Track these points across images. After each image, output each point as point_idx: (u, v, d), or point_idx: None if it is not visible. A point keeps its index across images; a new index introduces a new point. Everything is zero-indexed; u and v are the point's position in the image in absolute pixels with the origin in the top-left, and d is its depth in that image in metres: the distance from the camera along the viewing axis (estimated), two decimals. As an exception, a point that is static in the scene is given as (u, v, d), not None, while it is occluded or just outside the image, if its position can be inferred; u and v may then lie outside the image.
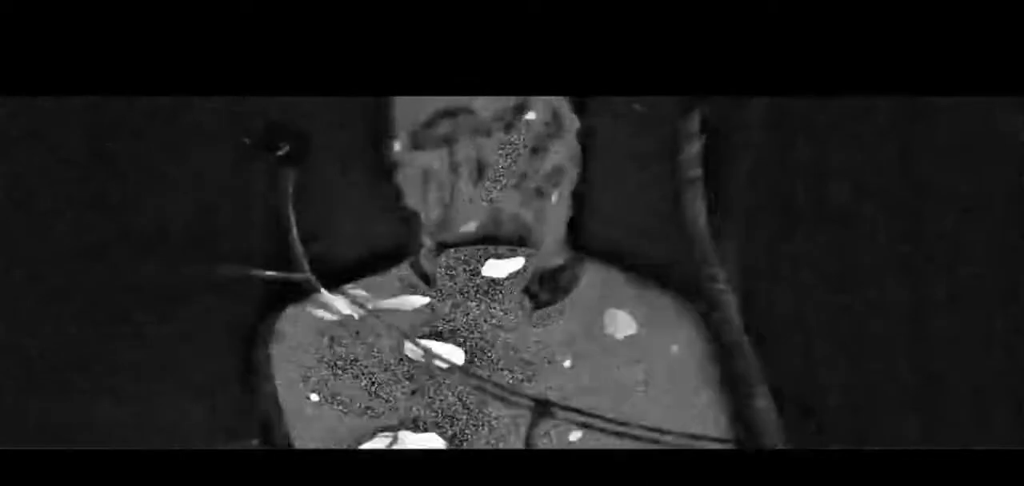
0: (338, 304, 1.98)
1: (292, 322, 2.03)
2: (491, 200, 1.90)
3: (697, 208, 1.95)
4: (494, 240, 1.91)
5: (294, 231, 1.97)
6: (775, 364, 2.35)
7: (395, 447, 1.93)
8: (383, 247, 2.08)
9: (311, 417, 2.00)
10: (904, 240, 2.38)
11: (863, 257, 2.38)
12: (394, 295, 1.99)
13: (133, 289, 2.29)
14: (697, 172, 1.94)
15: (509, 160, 1.92)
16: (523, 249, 1.92)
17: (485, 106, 1.96)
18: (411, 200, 2.01)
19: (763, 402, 1.94)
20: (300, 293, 2.05)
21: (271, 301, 2.10)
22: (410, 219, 2.03)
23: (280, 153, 2.04)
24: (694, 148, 1.95)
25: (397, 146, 2.01)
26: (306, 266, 1.96)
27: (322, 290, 1.97)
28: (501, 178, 1.92)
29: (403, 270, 2.05)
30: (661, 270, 2.13)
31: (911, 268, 2.38)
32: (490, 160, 1.91)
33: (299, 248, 1.96)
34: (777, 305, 2.36)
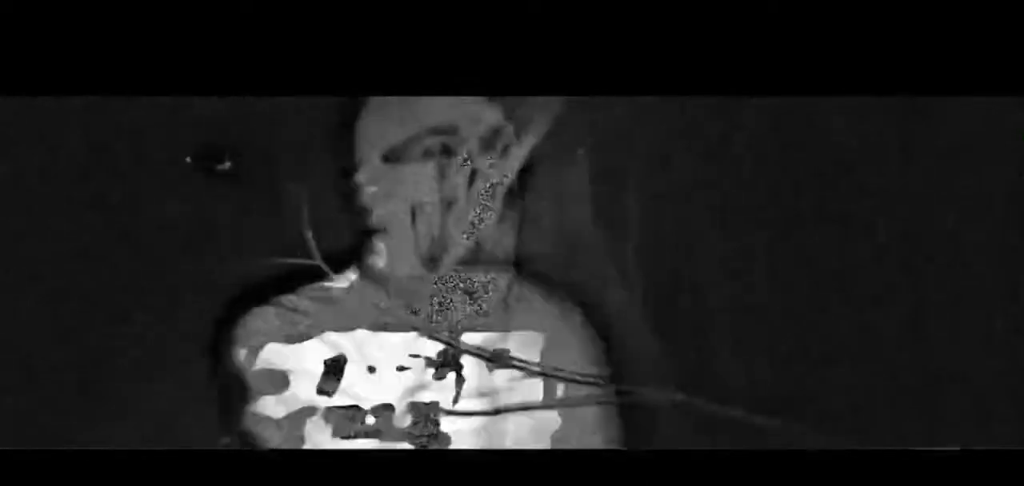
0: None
1: (260, 320, 2.09)
2: (477, 232, 2.07)
3: (583, 220, 2.06)
4: (477, 262, 2.07)
5: (307, 224, 2.10)
6: (775, 364, 2.36)
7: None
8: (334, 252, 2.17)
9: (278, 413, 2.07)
10: (904, 240, 2.38)
11: (863, 257, 2.38)
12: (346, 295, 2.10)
13: (133, 289, 2.29)
14: (585, 185, 2.06)
15: (494, 193, 2.06)
16: (502, 267, 2.08)
17: (467, 126, 2.05)
18: (378, 216, 2.11)
19: (656, 396, 2.05)
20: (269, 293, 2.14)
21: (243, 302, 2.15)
22: (373, 232, 2.12)
23: (223, 168, 2.16)
24: (581, 165, 2.06)
25: (364, 170, 2.10)
26: (317, 255, 2.09)
27: (331, 275, 2.10)
28: (487, 212, 2.06)
29: (352, 275, 2.12)
30: (565, 279, 2.22)
31: (911, 268, 2.38)
32: (478, 195, 2.05)
33: (311, 239, 2.09)
34: (776, 304, 2.37)
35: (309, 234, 2.09)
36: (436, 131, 2.05)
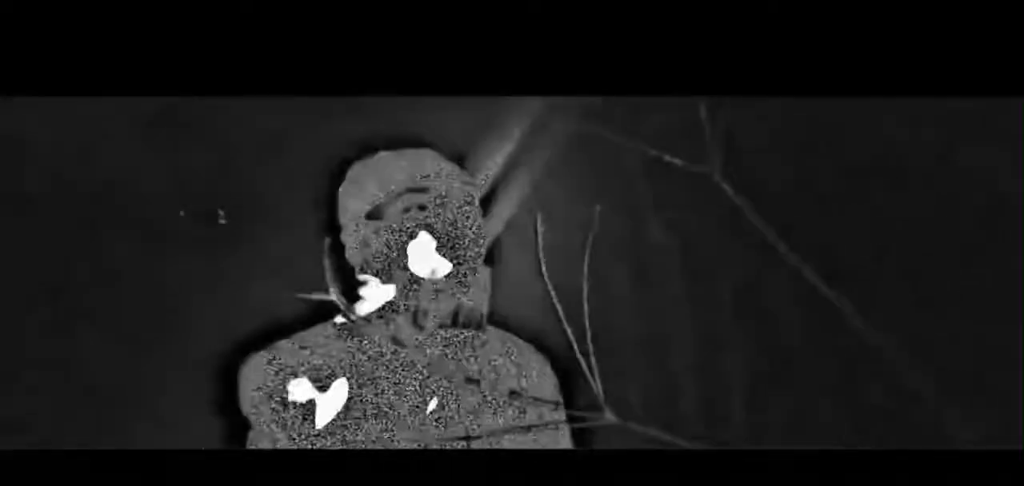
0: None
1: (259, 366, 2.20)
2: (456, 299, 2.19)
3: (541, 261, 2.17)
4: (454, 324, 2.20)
5: (327, 266, 2.19)
6: (774, 364, 2.37)
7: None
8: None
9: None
10: (905, 239, 2.39)
11: (864, 256, 2.39)
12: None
13: (137, 293, 2.31)
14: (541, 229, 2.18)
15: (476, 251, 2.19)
16: (473, 331, 2.21)
17: (444, 184, 2.17)
18: (353, 259, 2.21)
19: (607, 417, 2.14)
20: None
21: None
22: (358, 284, 2.21)
23: (218, 222, 2.30)
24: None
25: (345, 231, 2.22)
26: (334, 291, 2.18)
27: (348, 310, 2.19)
28: (463, 284, 2.18)
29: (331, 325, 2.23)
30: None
31: (912, 267, 2.38)
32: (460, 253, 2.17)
33: (330, 276, 2.18)
34: (778, 303, 2.38)
35: (330, 274, 2.18)
36: (413, 190, 2.17)
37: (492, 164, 2.36)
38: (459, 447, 2.13)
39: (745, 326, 2.41)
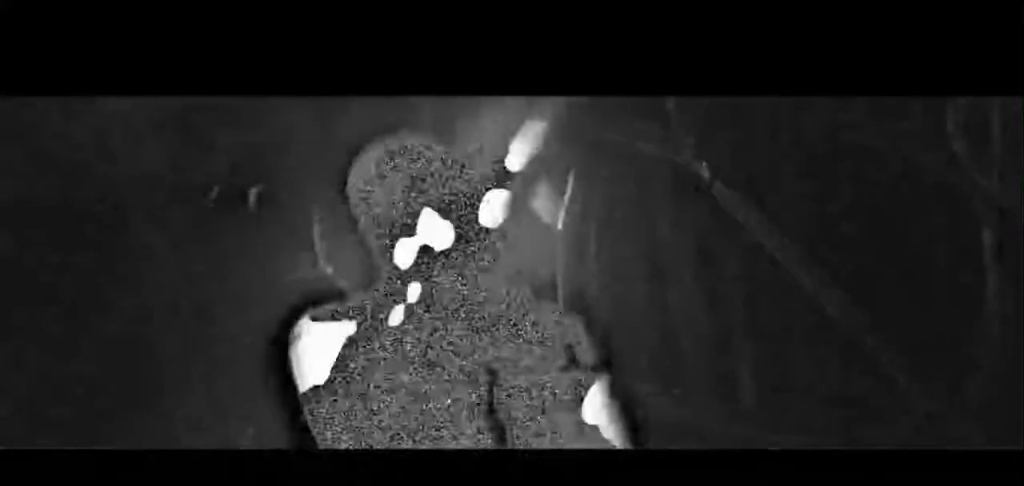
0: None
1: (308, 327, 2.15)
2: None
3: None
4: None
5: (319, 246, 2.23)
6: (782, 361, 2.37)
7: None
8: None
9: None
10: (908, 238, 2.39)
11: (868, 255, 2.39)
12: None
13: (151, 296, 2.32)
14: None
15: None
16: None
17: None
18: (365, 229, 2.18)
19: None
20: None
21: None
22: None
23: (252, 198, 2.29)
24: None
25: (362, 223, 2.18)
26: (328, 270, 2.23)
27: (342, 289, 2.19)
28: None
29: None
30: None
31: (916, 267, 2.38)
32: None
33: (323, 258, 2.22)
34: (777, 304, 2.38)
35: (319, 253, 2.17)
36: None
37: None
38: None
39: (746, 325, 2.41)
